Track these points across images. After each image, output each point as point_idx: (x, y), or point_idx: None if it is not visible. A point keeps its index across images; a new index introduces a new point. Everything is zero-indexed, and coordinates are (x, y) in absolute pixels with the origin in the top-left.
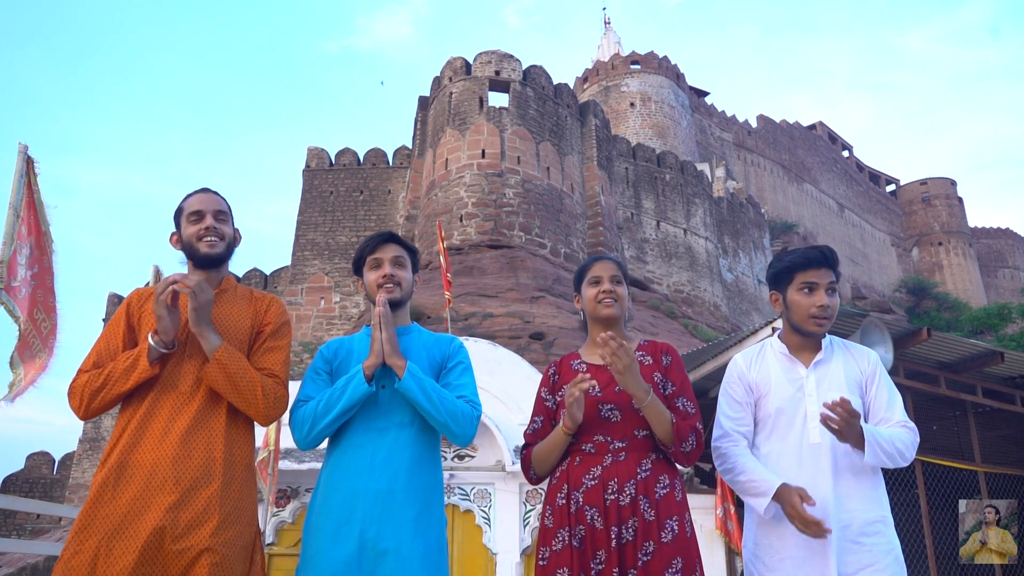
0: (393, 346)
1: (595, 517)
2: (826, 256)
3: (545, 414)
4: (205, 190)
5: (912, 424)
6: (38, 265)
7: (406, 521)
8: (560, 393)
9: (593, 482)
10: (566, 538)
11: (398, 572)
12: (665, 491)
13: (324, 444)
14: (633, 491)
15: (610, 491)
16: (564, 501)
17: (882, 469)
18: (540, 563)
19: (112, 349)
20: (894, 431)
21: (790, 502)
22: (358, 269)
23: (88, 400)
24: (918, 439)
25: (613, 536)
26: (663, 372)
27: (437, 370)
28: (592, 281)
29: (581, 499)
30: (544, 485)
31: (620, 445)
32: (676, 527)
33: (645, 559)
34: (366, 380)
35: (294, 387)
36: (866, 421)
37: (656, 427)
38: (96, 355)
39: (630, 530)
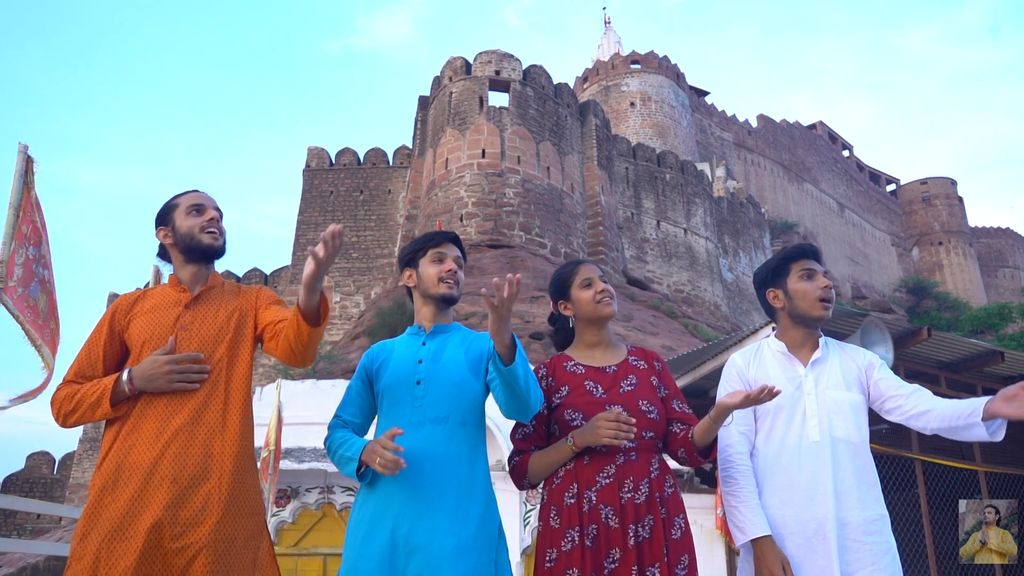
0: (501, 325)
1: (610, 516)
2: (815, 250)
3: (537, 419)
4: (198, 191)
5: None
6: (45, 270)
7: (439, 518)
8: (557, 396)
9: (608, 480)
10: (576, 538)
11: (427, 570)
12: (671, 490)
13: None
14: (648, 489)
15: (626, 489)
16: (574, 500)
17: (880, 468)
18: (547, 565)
19: (93, 359)
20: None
21: (770, 568)
22: (411, 260)
23: (64, 417)
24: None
25: (631, 534)
26: (658, 376)
27: (475, 363)
28: (584, 283)
29: (595, 498)
30: (542, 485)
31: (630, 445)
32: (683, 524)
33: (665, 556)
34: (358, 470)
35: (291, 385)
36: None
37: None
38: (78, 364)
39: (646, 528)
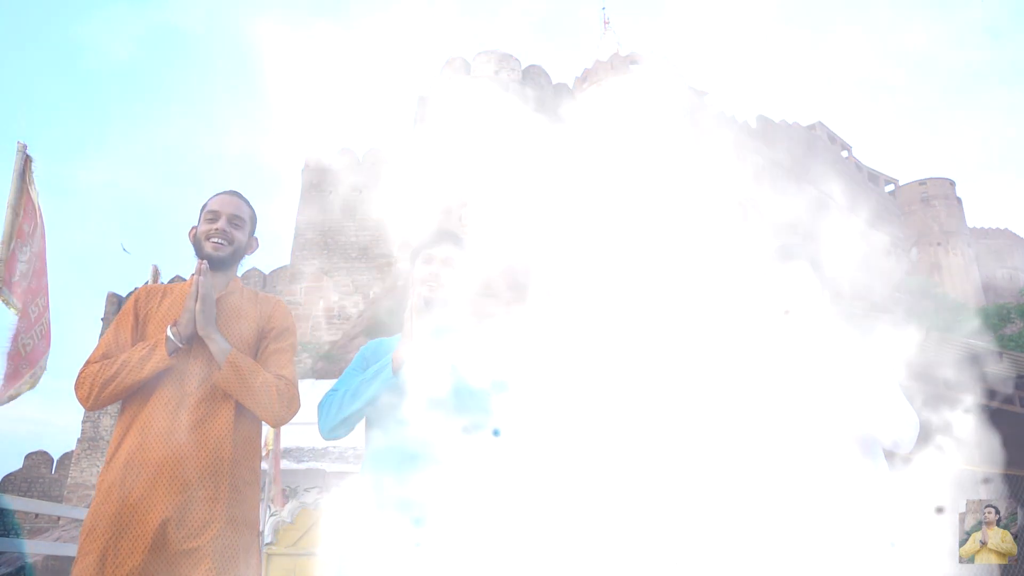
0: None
1: None
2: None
3: None
4: (231, 192)
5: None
6: (37, 260)
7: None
8: None
9: None
10: None
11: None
12: None
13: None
14: None
15: None
16: None
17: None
18: None
19: (121, 342)
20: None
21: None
22: (414, 259)
23: (98, 390)
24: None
25: None
26: None
27: None
28: None
29: None
30: None
31: None
32: None
33: None
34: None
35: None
36: None
37: None
38: (104, 347)
39: None
